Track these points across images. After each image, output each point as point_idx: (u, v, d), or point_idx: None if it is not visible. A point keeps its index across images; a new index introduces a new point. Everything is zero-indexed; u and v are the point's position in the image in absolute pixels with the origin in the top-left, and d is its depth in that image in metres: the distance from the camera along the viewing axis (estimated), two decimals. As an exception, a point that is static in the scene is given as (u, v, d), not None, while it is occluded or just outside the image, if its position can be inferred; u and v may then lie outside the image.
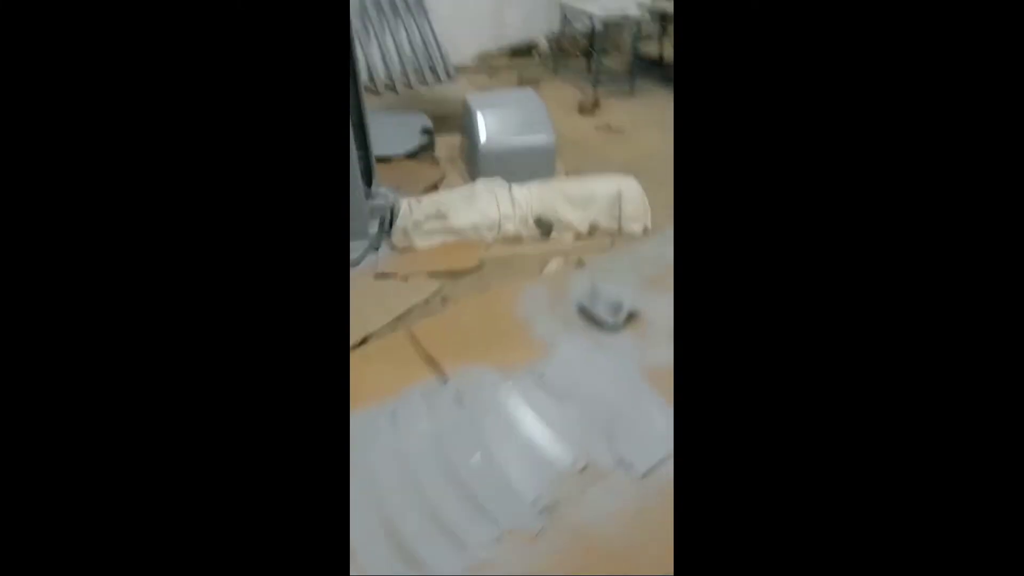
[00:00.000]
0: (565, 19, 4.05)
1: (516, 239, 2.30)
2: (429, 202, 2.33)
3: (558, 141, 2.63)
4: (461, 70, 3.90)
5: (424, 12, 3.66)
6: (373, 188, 2.40)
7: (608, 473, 1.41)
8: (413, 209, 2.28)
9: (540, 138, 2.58)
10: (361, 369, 1.66)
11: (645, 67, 4.02)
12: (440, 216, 2.27)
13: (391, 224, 2.27)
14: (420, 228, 2.25)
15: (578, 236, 2.33)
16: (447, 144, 2.93)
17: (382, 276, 2.11)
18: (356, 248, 2.19)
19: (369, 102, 2.53)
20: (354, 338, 1.79)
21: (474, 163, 2.58)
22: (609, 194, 2.36)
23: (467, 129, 2.65)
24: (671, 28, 4.20)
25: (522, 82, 3.80)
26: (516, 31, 4.24)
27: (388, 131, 2.89)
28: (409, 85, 3.63)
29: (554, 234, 2.33)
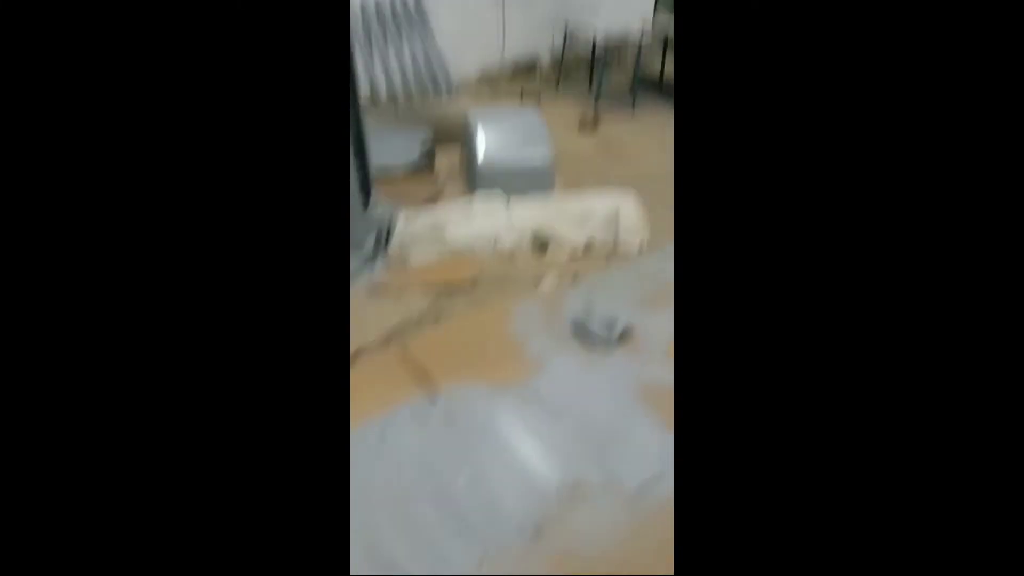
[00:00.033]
0: (568, 37, 4.10)
1: (512, 255, 2.30)
2: (426, 217, 2.33)
3: (557, 157, 2.65)
4: (463, 86, 3.93)
5: (427, 28, 3.71)
6: (371, 202, 2.40)
7: (598, 493, 1.39)
8: (410, 223, 2.29)
9: (539, 155, 2.59)
10: (351, 385, 1.65)
11: (646, 86, 4.05)
12: (437, 231, 2.27)
13: (387, 238, 2.27)
14: (416, 243, 2.26)
15: (575, 253, 2.33)
16: (448, 159, 2.95)
17: (376, 291, 2.10)
18: (352, 261, 2.19)
19: (371, 117, 2.56)
20: (346, 352, 1.78)
21: (473, 178, 2.59)
22: (606, 211, 2.36)
23: (467, 145, 2.66)
24: (671, 49, 4.24)
25: (524, 98, 3.84)
26: (519, 48, 4.28)
27: (389, 145, 2.91)
28: (411, 100, 3.66)
29: (550, 250, 2.33)
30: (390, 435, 1.52)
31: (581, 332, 1.88)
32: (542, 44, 4.34)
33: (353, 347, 1.81)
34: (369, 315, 1.95)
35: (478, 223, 2.31)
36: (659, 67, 4.27)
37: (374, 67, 3.47)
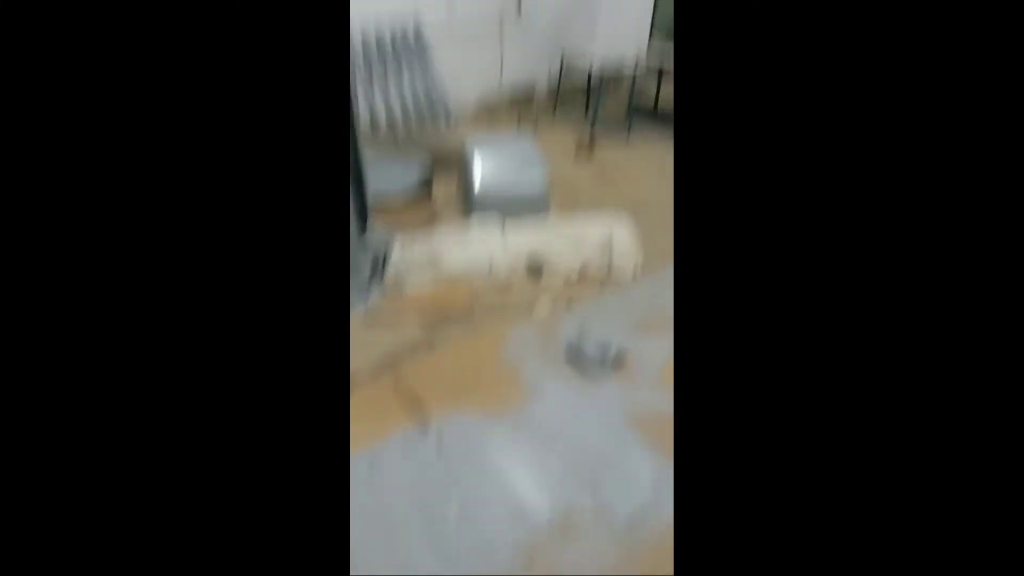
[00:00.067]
0: (564, 66, 4.19)
1: (507, 281, 2.32)
2: (422, 244, 2.36)
3: (553, 183, 2.68)
4: (462, 114, 4.00)
5: (427, 58, 3.79)
6: (367, 229, 2.43)
7: (590, 523, 1.38)
8: (406, 251, 2.32)
9: (534, 183, 2.63)
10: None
11: (641, 114, 4.12)
12: (432, 258, 2.30)
13: (383, 265, 2.30)
14: (412, 269, 2.28)
15: (569, 277, 2.35)
16: (446, 186, 2.99)
17: (371, 318, 2.12)
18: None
19: (371, 146, 2.60)
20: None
21: (469, 205, 2.62)
22: (600, 237, 2.39)
23: (464, 171, 2.71)
24: (666, 78, 4.32)
25: (521, 126, 3.90)
26: (517, 77, 4.37)
27: (388, 173, 2.96)
28: (411, 129, 3.72)
29: (545, 275, 2.34)
30: (381, 465, 1.52)
31: (575, 358, 1.88)
32: (539, 73, 4.43)
33: (347, 374, 1.82)
34: (363, 343, 1.96)
35: (473, 249, 2.34)
36: (654, 95, 4.34)
37: (374, 96, 3.54)
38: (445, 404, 1.71)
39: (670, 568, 0.60)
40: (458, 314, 2.14)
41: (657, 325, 2.05)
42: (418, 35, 3.52)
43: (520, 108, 4.32)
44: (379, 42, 3.40)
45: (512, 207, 2.57)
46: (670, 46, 4.01)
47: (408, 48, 3.65)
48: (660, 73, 4.23)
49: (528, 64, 4.35)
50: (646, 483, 1.47)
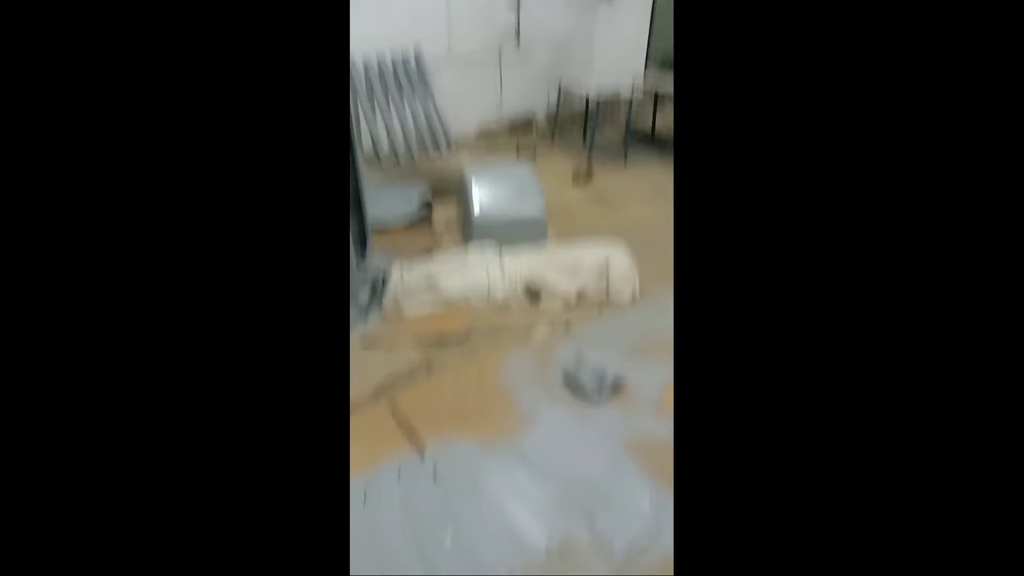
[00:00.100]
0: (562, 94, 4.26)
1: (505, 306, 2.32)
2: (420, 269, 2.37)
3: (550, 210, 2.71)
4: (462, 141, 4.06)
5: (428, 86, 3.87)
6: (366, 256, 2.45)
7: (587, 554, 1.35)
8: (404, 276, 2.32)
9: (532, 210, 2.65)
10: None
11: (638, 140, 4.17)
12: (430, 283, 2.31)
13: (382, 291, 2.30)
14: (410, 295, 2.28)
15: (567, 302, 2.35)
16: (446, 212, 3.02)
17: (369, 343, 2.12)
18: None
19: (372, 173, 2.63)
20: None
21: (469, 230, 2.64)
22: (597, 262, 2.40)
23: (463, 199, 2.73)
24: (663, 104, 4.39)
25: (520, 153, 3.95)
26: (516, 105, 4.45)
27: (388, 201, 2.99)
28: (412, 157, 3.77)
29: (543, 300, 2.35)
30: (375, 492, 1.50)
31: (572, 383, 1.87)
32: (538, 101, 4.51)
33: (343, 400, 1.81)
34: (361, 368, 1.95)
35: (472, 274, 2.35)
36: (650, 121, 4.41)
37: (376, 123, 3.60)
38: (441, 430, 1.69)
39: (670, 599, 0.59)
40: (456, 338, 2.14)
41: (656, 349, 2.04)
42: (419, 63, 3.59)
43: (519, 135, 4.39)
44: (380, 69, 3.47)
45: (511, 233, 2.58)
46: (665, 74, 4.09)
47: (409, 76, 3.72)
48: (656, 98, 4.30)
49: (527, 92, 4.43)
50: (645, 512, 1.45)
